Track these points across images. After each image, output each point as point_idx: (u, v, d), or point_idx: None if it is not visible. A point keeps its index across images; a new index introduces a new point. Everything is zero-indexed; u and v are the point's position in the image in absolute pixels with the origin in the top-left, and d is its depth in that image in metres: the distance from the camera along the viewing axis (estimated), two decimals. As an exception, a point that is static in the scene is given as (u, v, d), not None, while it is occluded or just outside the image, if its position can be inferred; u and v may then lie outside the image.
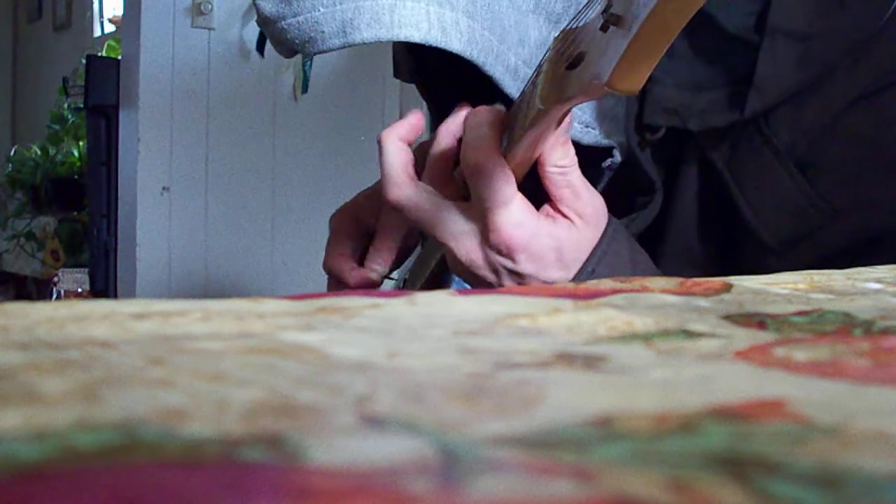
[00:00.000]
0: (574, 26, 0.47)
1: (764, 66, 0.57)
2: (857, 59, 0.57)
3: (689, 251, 0.63)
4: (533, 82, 0.51)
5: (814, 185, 0.58)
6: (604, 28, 0.40)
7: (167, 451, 0.16)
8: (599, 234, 0.56)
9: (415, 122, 0.60)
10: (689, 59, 0.60)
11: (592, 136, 0.60)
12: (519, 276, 0.55)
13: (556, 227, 0.55)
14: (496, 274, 0.55)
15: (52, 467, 0.15)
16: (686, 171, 0.62)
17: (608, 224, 0.56)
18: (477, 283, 0.57)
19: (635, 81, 0.39)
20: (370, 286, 0.73)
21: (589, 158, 0.57)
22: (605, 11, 0.39)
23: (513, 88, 0.56)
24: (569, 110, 0.50)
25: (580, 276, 0.55)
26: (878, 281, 0.38)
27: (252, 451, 0.16)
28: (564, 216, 0.55)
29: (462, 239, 0.55)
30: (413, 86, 0.77)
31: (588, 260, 0.55)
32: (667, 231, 0.63)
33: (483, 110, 0.54)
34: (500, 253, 0.54)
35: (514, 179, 0.53)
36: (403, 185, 0.56)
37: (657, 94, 0.60)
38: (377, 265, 0.74)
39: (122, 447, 0.16)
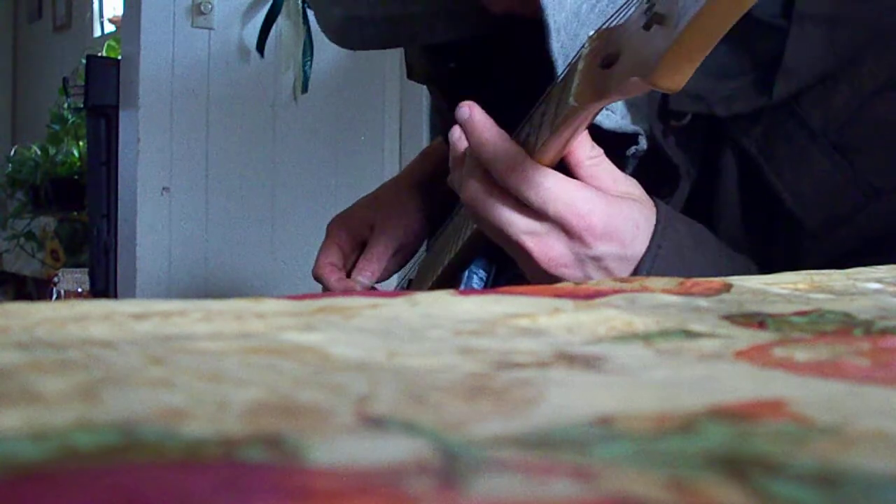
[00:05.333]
0: (610, 26, 0.47)
1: (792, 51, 0.57)
2: (885, 45, 0.57)
3: (736, 240, 0.63)
4: (564, 80, 0.51)
5: (851, 165, 0.58)
6: (647, 27, 0.40)
7: (167, 451, 0.16)
8: (653, 213, 0.55)
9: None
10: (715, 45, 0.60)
11: (613, 121, 0.60)
12: (608, 260, 0.54)
13: (622, 201, 0.54)
14: (582, 266, 0.54)
15: (52, 467, 0.15)
16: (724, 161, 0.62)
17: (658, 205, 0.56)
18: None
19: (679, 79, 0.39)
20: None
21: (611, 148, 0.56)
22: (647, 10, 0.40)
23: (555, 46, 0.55)
24: (601, 109, 0.50)
25: (647, 256, 0.54)
26: (878, 281, 0.38)
27: (252, 451, 0.16)
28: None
29: (542, 237, 0.54)
30: (413, 86, 0.78)
31: (651, 241, 0.55)
32: (715, 223, 0.63)
33: (484, 133, 0.54)
34: (584, 242, 0.53)
35: (557, 173, 0.53)
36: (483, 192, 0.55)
37: None
38: (363, 277, 0.75)
39: (122, 447, 0.16)
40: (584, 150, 0.54)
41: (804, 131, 0.58)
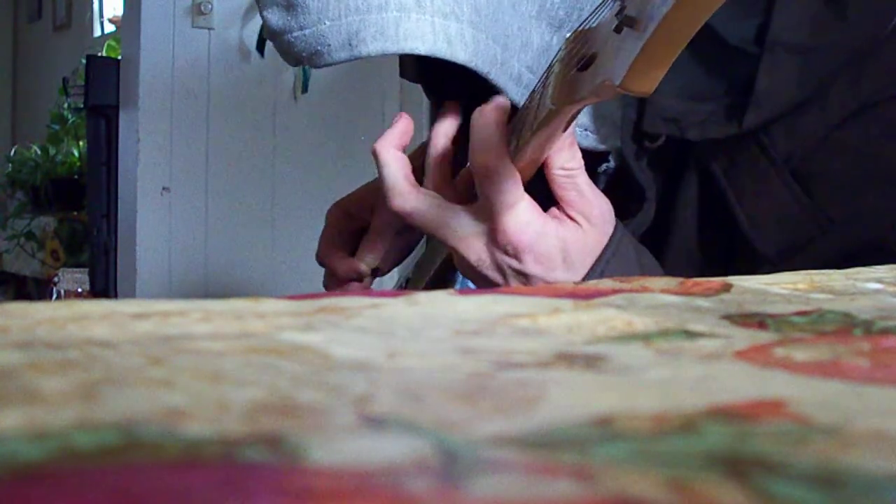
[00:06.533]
0: (586, 27, 0.47)
1: (763, 80, 0.57)
2: (855, 73, 0.57)
3: (689, 260, 0.63)
4: (543, 83, 0.51)
5: (810, 196, 0.59)
6: (618, 30, 0.40)
7: (167, 451, 0.16)
8: (606, 238, 0.56)
9: (403, 127, 0.60)
10: (689, 68, 0.60)
11: (591, 140, 0.61)
12: (525, 277, 0.55)
13: (563, 228, 0.55)
14: (503, 275, 0.55)
15: (52, 467, 0.15)
16: (686, 180, 0.62)
17: (615, 228, 0.57)
18: (485, 284, 0.57)
19: (649, 83, 0.39)
20: (359, 278, 0.74)
21: (586, 163, 0.57)
22: (619, 13, 0.40)
23: (517, 95, 0.56)
24: (578, 111, 0.50)
25: (588, 279, 0.55)
26: (878, 281, 0.38)
27: (252, 451, 0.16)
28: (571, 219, 0.56)
29: (469, 240, 0.55)
30: (413, 85, 0.77)
31: (596, 263, 0.55)
32: (668, 239, 0.63)
33: (489, 109, 0.54)
34: (506, 253, 0.54)
35: (521, 180, 0.54)
36: (406, 194, 0.57)
37: (657, 102, 0.60)
38: (369, 258, 0.75)
39: (122, 447, 0.16)
40: (561, 157, 0.54)
41: (766, 159, 0.59)
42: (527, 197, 0.54)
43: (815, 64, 0.57)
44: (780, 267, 0.59)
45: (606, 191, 0.61)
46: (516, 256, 0.54)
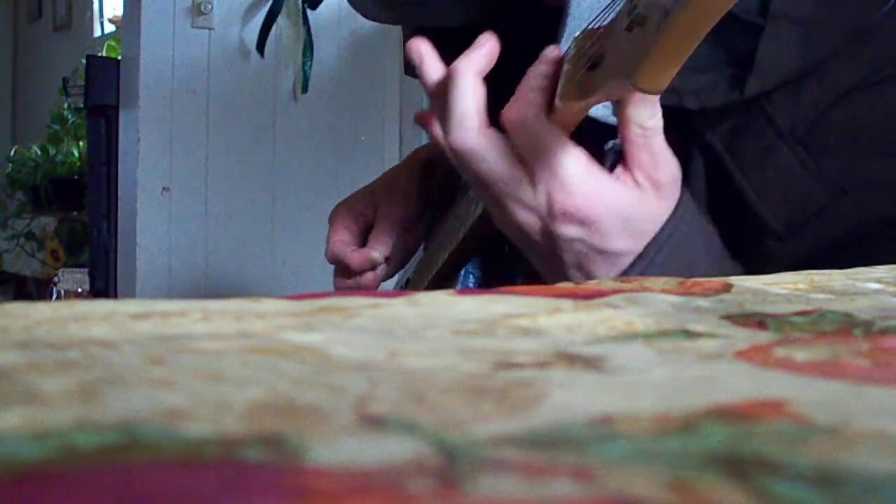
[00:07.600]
0: (595, 27, 0.47)
1: (766, 49, 0.57)
2: (856, 48, 0.57)
3: None
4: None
5: (819, 165, 0.58)
6: (629, 28, 0.40)
7: (167, 451, 0.16)
8: (671, 208, 0.53)
9: (490, 49, 0.53)
10: None
11: (596, 109, 0.59)
12: (577, 244, 0.52)
13: (624, 190, 0.52)
14: (551, 241, 0.52)
15: (52, 467, 0.15)
16: (694, 159, 0.62)
17: (679, 201, 0.54)
18: (530, 250, 0.54)
19: (661, 81, 0.38)
20: (372, 267, 0.75)
21: (593, 140, 0.56)
22: (630, 12, 0.40)
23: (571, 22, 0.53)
24: (588, 108, 0.50)
25: (648, 254, 0.52)
26: (878, 281, 0.38)
27: (252, 451, 0.16)
28: (636, 182, 0.52)
29: (522, 201, 0.51)
30: (413, 86, 0.78)
31: (659, 233, 0.52)
32: None
33: (540, 63, 0.51)
34: (554, 217, 0.51)
35: (564, 136, 0.50)
36: (472, 129, 0.51)
37: None
38: (376, 252, 0.76)
39: (122, 447, 0.16)
40: (640, 114, 0.51)
41: (772, 129, 0.58)
42: (580, 152, 0.51)
43: (817, 37, 0.57)
44: (787, 242, 0.58)
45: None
46: (565, 220, 0.50)
